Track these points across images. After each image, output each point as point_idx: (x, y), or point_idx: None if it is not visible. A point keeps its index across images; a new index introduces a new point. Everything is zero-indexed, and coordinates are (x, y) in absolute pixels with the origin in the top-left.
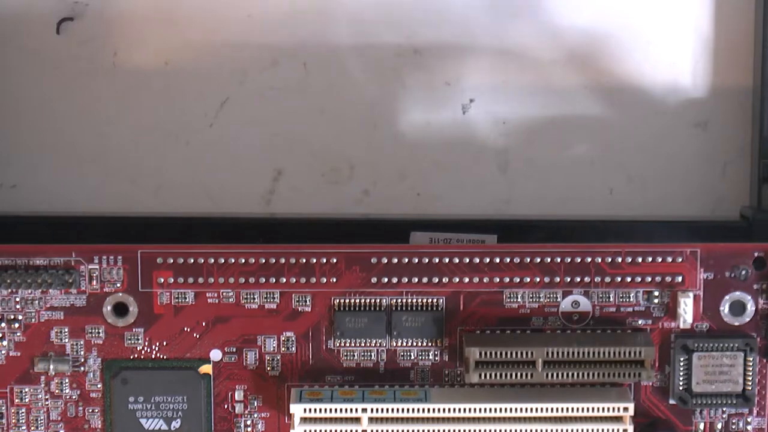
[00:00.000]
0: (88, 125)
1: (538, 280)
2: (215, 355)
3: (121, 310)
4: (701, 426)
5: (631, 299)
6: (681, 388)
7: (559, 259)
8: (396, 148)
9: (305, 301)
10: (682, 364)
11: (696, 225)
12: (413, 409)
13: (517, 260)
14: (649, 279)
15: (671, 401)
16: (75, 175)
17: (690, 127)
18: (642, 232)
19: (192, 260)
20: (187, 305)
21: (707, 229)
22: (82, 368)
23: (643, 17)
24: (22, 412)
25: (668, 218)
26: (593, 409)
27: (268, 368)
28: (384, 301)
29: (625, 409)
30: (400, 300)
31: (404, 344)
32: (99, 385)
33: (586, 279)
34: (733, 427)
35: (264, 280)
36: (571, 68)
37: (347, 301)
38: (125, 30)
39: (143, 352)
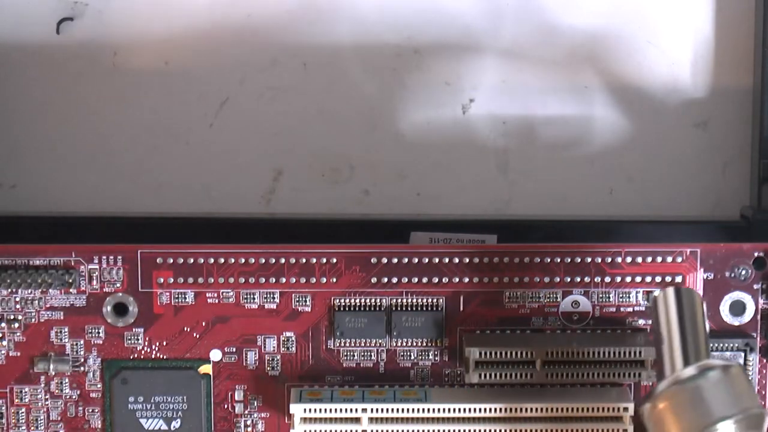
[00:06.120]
0: (88, 125)
1: (538, 280)
2: (215, 355)
3: (121, 310)
4: None
5: (631, 299)
6: None
7: (559, 259)
8: (396, 148)
9: (305, 301)
10: None
11: (696, 225)
12: (413, 409)
13: (517, 260)
14: (649, 279)
15: None
16: (75, 175)
17: (690, 127)
18: (642, 232)
19: (192, 260)
20: (187, 305)
21: (707, 229)
22: (82, 368)
23: (643, 17)
24: (22, 412)
25: (668, 218)
26: (593, 409)
27: (268, 368)
28: (384, 301)
29: (625, 409)
30: (400, 300)
31: (404, 344)
32: (99, 385)
33: (586, 279)
34: None
35: (264, 280)
36: (570, 68)
37: (347, 301)
38: (125, 30)
39: (143, 352)
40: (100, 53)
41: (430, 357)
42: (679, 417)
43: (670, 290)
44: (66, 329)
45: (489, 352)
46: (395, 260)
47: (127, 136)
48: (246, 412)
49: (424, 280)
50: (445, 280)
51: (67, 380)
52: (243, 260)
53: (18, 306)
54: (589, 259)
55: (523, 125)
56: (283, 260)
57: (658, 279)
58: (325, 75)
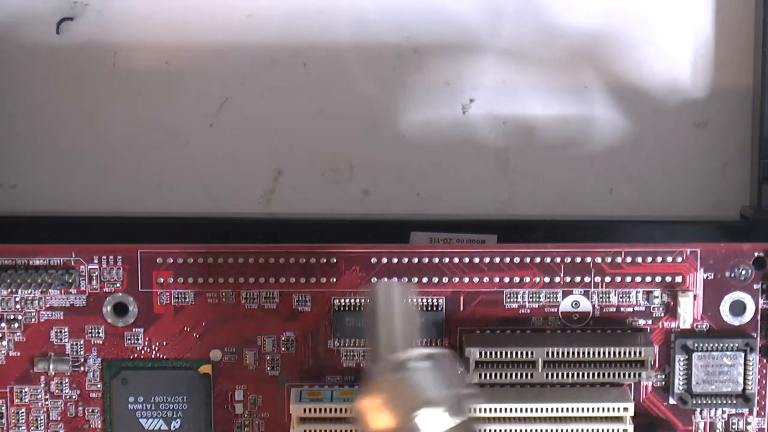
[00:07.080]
0: (88, 125)
1: (538, 280)
2: (215, 355)
3: (121, 310)
4: (701, 426)
5: (631, 299)
6: (681, 388)
7: (559, 259)
8: (396, 148)
9: (305, 301)
10: (682, 364)
11: (696, 225)
12: None
13: (517, 260)
14: (649, 279)
15: (671, 401)
16: (75, 175)
17: (690, 127)
18: (642, 232)
19: (192, 260)
20: (187, 305)
21: (707, 229)
22: (82, 368)
23: (643, 17)
24: (22, 412)
25: (668, 218)
26: (593, 409)
27: (268, 368)
28: None
29: (625, 409)
30: None
31: None
32: (99, 385)
33: (586, 279)
34: (733, 427)
35: (264, 280)
36: (570, 68)
37: (347, 301)
38: (125, 30)
39: (143, 352)
40: (100, 53)
41: None
42: (385, 409)
43: (372, 288)
44: (66, 329)
45: (489, 352)
46: (395, 260)
47: (127, 136)
48: (246, 412)
49: (424, 280)
50: (445, 280)
51: (67, 380)
52: (243, 260)
53: (18, 306)
54: (589, 259)
55: (523, 125)
56: (283, 260)
57: (658, 279)
58: (325, 75)
